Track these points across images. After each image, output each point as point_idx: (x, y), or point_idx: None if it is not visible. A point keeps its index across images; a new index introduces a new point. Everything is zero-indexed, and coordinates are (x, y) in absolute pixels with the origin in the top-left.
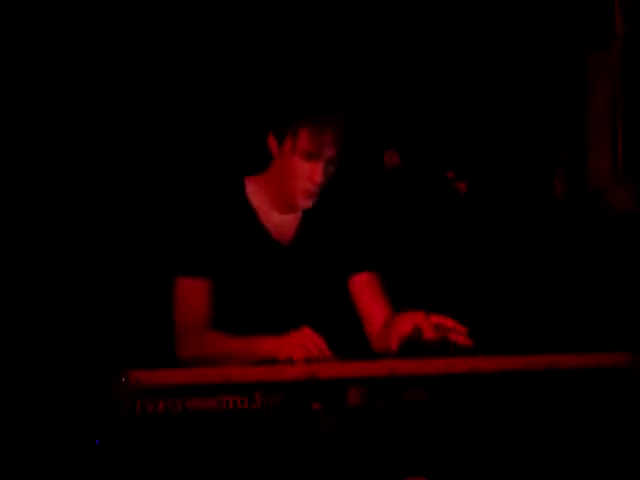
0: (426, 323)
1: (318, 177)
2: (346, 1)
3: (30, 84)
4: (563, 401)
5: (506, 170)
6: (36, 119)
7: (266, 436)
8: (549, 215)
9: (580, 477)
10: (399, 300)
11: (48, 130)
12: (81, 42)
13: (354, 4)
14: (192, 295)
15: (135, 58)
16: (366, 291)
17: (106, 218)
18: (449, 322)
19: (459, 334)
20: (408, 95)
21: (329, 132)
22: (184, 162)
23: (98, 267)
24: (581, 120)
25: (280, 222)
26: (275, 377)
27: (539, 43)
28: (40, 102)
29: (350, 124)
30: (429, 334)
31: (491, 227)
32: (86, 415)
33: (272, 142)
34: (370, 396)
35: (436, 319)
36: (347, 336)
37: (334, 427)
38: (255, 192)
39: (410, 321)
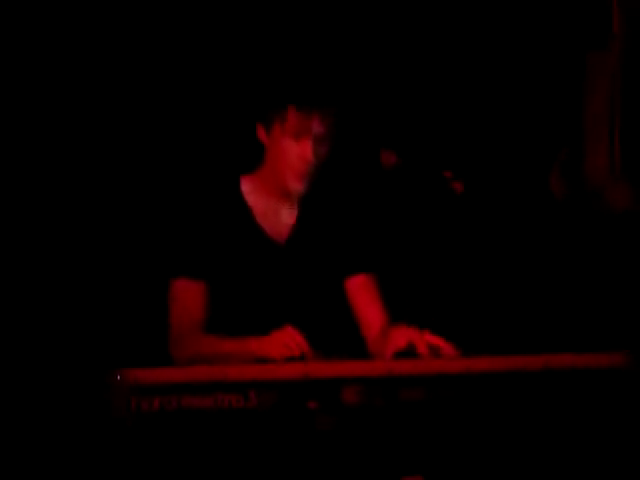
0: (420, 340)
1: (309, 154)
2: None
3: (23, 82)
4: (561, 401)
5: (503, 170)
6: (26, 118)
7: (261, 435)
8: (547, 215)
9: (578, 477)
10: (396, 301)
11: (40, 130)
12: (69, 39)
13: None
14: (187, 297)
15: (126, 62)
16: (362, 293)
17: (102, 219)
18: (441, 342)
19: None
20: (406, 94)
21: (316, 109)
22: (179, 163)
23: (94, 268)
24: (579, 119)
25: (276, 221)
26: (271, 376)
27: (537, 42)
28: (30, 100)
29: (338, 103)
30: (422, 351)
31: (488, 227)
32: (82, 413)
33: (261, 131)
34: (366, 395)
35: (429, 338)
36: (342, 337)
37: (330, 426)
38: (251, 190)
39: (405, 336)
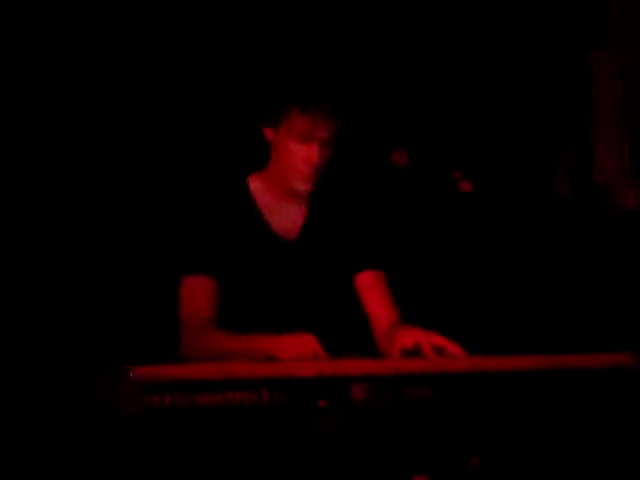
0: (426, 342)
1: (314, 158)
2: None
3: (31, 85)
4: (566, 401)
5: (512, 170)
6: (32, 120)
7: (272, 432)
8: (554, 214)
9: (583, 476)
10: (404, 299)
11: (52, 130)
12: (76, 41)
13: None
14: (198, 294)
15: (138, 65)
16: (372, 290)
17: (113, 217)
18: (446, 344)
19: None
20: (415, 95)
21: (321, 113)
22: (189, 162)
23: (105, 266)
24: (584, 119)
25: (285, 219)
26: (282, 373)
27: (543, 43)
28: (43, 103)
29: (342, 107)
30: (427, 352)
31: (497, 226)
32: (93, 410)
33: (268, 131)
34: (375, 393)
35: (435, 339)
36: (351, 334)
37: (340, 424)
38: (259, 189)
39: (412, 337)
